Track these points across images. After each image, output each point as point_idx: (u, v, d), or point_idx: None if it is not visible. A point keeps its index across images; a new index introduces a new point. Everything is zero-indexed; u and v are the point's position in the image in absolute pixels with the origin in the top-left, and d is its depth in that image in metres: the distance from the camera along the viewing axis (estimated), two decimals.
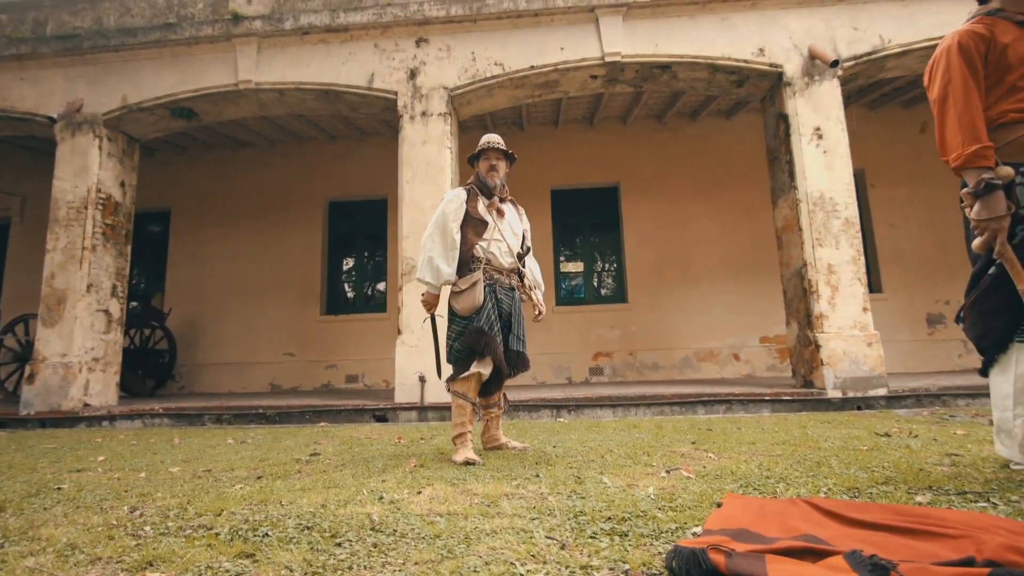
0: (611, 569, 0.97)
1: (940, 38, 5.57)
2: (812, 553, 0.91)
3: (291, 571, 0.99)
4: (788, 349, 5.79)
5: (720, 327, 8.37)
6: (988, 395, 5.02)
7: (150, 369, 8.00)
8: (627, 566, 0.98)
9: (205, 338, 8.79)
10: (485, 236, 2.51)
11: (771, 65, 5.67)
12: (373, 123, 8.25)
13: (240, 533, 1.25)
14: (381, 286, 8.98)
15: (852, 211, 5.38)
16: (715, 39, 5.74)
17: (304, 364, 8.72)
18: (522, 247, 2.64)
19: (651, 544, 1.10)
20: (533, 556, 1.02)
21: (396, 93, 5.92)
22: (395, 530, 1.23)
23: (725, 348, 8.27)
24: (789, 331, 5.76)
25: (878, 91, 7.72)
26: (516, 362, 2.50)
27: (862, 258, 5.35)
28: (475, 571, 0.96)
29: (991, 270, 1.64)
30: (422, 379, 5.35)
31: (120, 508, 1.66)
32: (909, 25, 5.61)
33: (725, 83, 6.06)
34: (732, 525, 1.10)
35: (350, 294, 9.28)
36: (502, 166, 2.69)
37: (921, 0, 5.64)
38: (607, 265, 8.93)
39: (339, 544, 1.16)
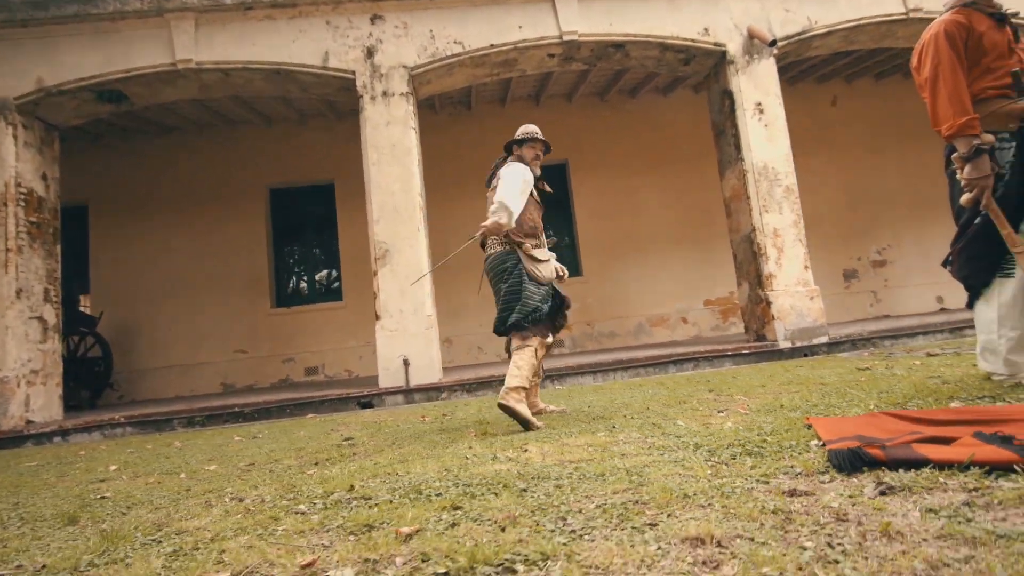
0: (784, 473, 1.16)
1: (858, 20, 6.23)
2: (935, 441, 1.16)
3: (513, 509, 1.07)
4: (740, 308, 6.34)
5: (669, 293, 8.92)
6: (904, 336, 5.76)
7: (85, 379, 7.35)
8: (799, 469, 1.18)
9: (143, 341, 8.18)
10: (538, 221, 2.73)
11: (715, 44, 6.06)
12: (316, 105, 7.90)
13: (418, 494, 1.31)
14: (335, 274, 8.72)
15: (792, 179, 5.94)
16: (664, 19, 6.03)
17: (258, 360, 8.35)
18: None
19: (786, 457, 1.30)
20: (710, 475, 1.19)
21: (354, 72, 5.74)
22: (557, 476, 1.34)
23: (674, 313, 8.84)
24: (740, 291, 6.31)
25: (797, 68, 8.42)
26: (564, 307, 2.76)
27: (801, 221, 5.94)
28: (671, 489, 1.11)
29: (977, 220, 2.00)
30: (406, 362, 5.36)
31: (224, 498, 1.65)
32: (832, 8, 6.19)
33: (674, 61, 6.40)
34: (848, 434, 1.34)
35: (302, 285, 8.95)
36: (542, 156, 2.89)
37: None
38: (561, 241, 9.20)
39: (525, 490, 1.26)
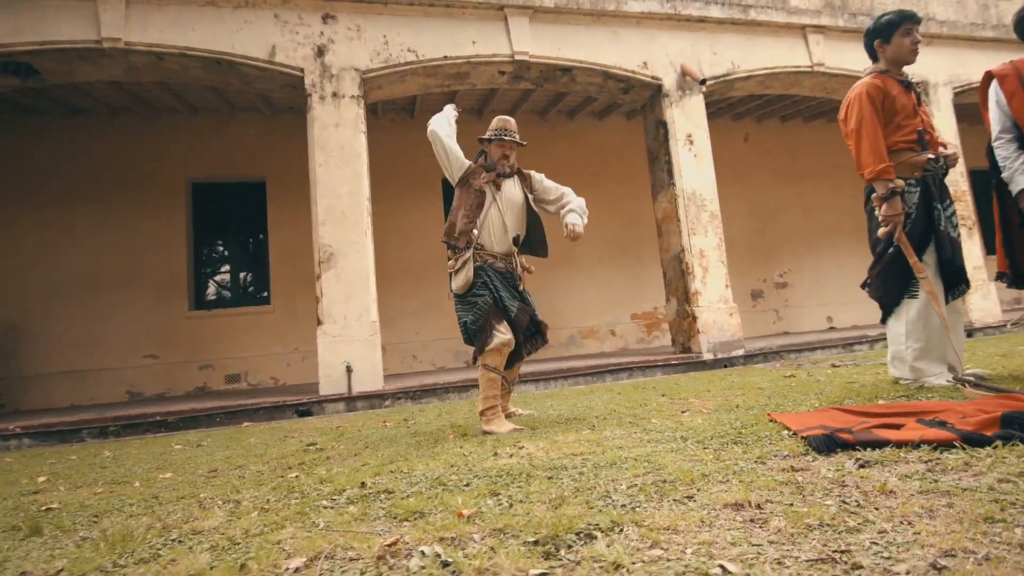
0: (775, 456, 1.36)
1: (772, 68, 7.01)
2: (887, 427, 1.41)
3: (555, 492, 1.15)
4: (669, 322, 6.82)
5: (598, 307, 9.35)
6: (806, 350, 6.47)
7: None
8: (786, 452, 1.38)
9: (31, 344, 7.31)
10: (479, 221, 2.64)
11: (653, 78, 6.56)
12: (249, 98, 7.53)
13: (442, 486, 1.34)
14: (262, 277, 8.28)
15: (716, 206, 6.53)
16: (608, 50, 6.45)
17: (171, 366, 7.74)
18: (547, 209, 2.81)
19: (767, 444, 1.51)
20: (713, 459, 1.36)
21: (302, 70, 5.60)
22: (571, 466, 1.44)
23: (603, 325, 9.28)
24: (669, 307, 6.79)
25: (716, 105, 9.26)
26: (534, 335, 2.73)
27: (723, 244, 6.53)
28: (688, 471, 1.26)
29: (890, 250, 2.39)
30: (349, 369, 5.25)
31: (215, 501, 1.59)
32: (751, 55, 6.92)
33: (615, 89, 6.84)
34: (813, 424, 1.57)
35: (225, 287, 8.42)
36: (513, 155, 2.76)
37: (759, 36, 6.99)
38: None
39: (551, 478, 1.35)
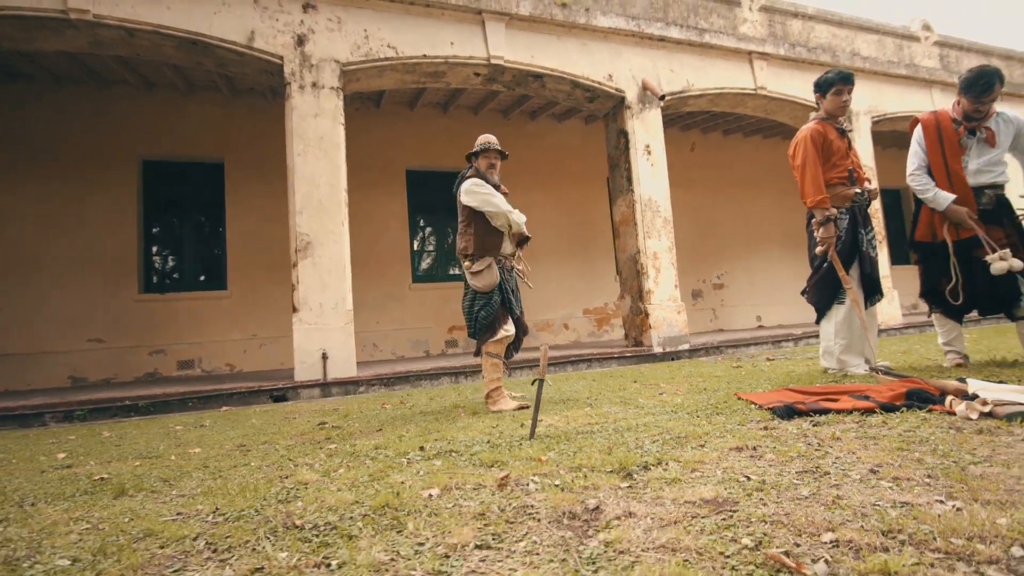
0: (751, 421, 1.79)
1: (721, 88, 7.68)
2: (828, 400, 1.88)
3: (597, 446, 1.49)
4: (623, 317, 7.37)
5: (553, 301, 9.83)
6: (742, 346, 7.22)
7: None
8: (758, 418, 1.80)
9: None
10: (493, 226, 3.03)
11: (616, 89, 7.04)
12: (208, 76, 7.35)
13: (496, 447, 1.64)
14: (219, 261, 8.11)
15: (669, 212, 7.12)
16: (577, 60, 6.86)
17: (118, 351, 7.48)
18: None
19: (742, 414, 1.94)
20: (706, 424, 1.76)
21: (282, 58, 5.63)
22: (598, 431, 1.79)
23: (557, 319, 9.77)
24: (623, 303, 7.34)
25: (667, 115, 9.92)
26: (522, 329, 3.11)
27: (674, 247, 7.14)
28: (691, 431, 1.65)
29: (824, 265, 2.94)
30: (324, 356, 5.39)
31: (274, 466, 1.82)
32: (703, 76, 7.56)
33: (581, 97, 7.27)
34: (774, 400, 2.02)
35: (178, 270, 8.18)
36: (498, 164, 3.16)
37: (711, 58, 7.64)
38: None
39: (586, 437, 1.69)
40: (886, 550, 0.75)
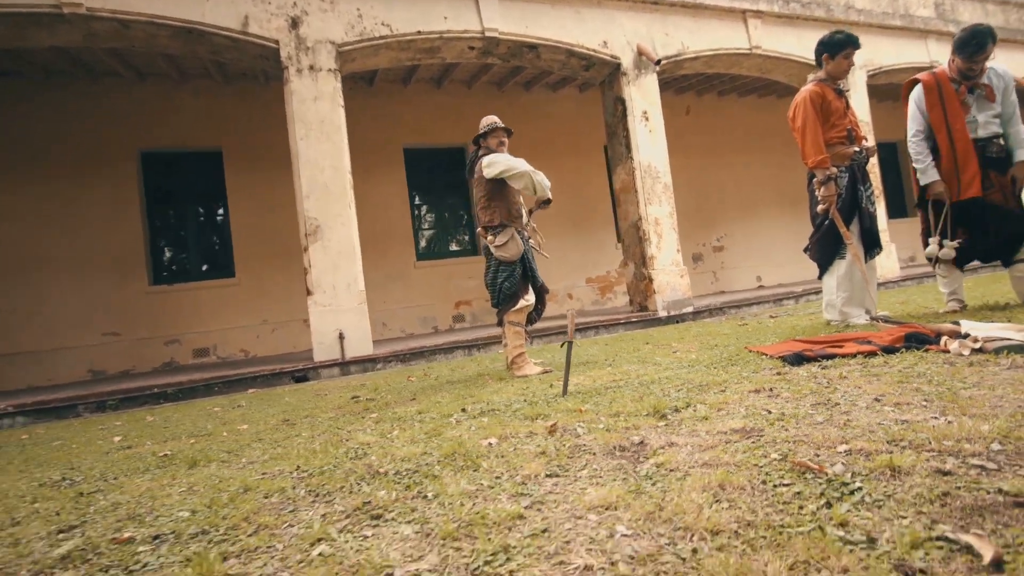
0: (764, 369, 1.96)
1: (716, 50, 7.66)
2: (834, 347, 2.05)
3: (628, 396, 1.66)
4: (627, 284, 7.53)
5: (556, 272, 9.95)
6: (744, 306, 7.40)
7: None
8: (770, 366, 1.98)
9: None
10: (516, 202, 3.18)
11: (612, 56, 7.04)
12: (199, 64, 7.30)
13: (533, 404, 1.81)
14: (225, 250, 8.20)
15: (668, 178, 7.20)
16: (571, 29, 6.84)
17: (134, 342, 7.63)
18: None
19: (755, 364, 2.11)
20: (723, 374, 1.93)
21: (277, 42, 5.62)
22: (624, 385, 1.96)
23: (561, 289, 9.92)
24: (627, 270, 7.48)
25: (662, 79, 9.88)
26: (543, 296, 3.28)
27: (675, 213, 7.25)
28: (711, 380, 1.83)
29: (826, 222, 3.08)
30: (342, 336, 5.55)
31: (346, 431, 2.00)
32: (698, 38, 7.54)
33: (577, 66, 7.26)
34: (784, 350, 2.19)
35: (185, 260, 8.27)
36: (507, 141, 3.29)
37: (705, 19, 7.61)
38: (460, 221, 9.71)
39: (615, 391, 1.87)
40: (890, 453, 0.92)
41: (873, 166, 8.47)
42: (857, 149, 3.11)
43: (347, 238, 5.72)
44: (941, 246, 2.95)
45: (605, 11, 7.05)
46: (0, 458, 2.59)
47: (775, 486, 0.84)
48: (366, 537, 0.88)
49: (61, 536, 1.22)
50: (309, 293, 5.58)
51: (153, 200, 7.89)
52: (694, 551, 0.66)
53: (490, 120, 3.33)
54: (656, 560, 0.65)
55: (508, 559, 0.72)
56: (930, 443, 0.95)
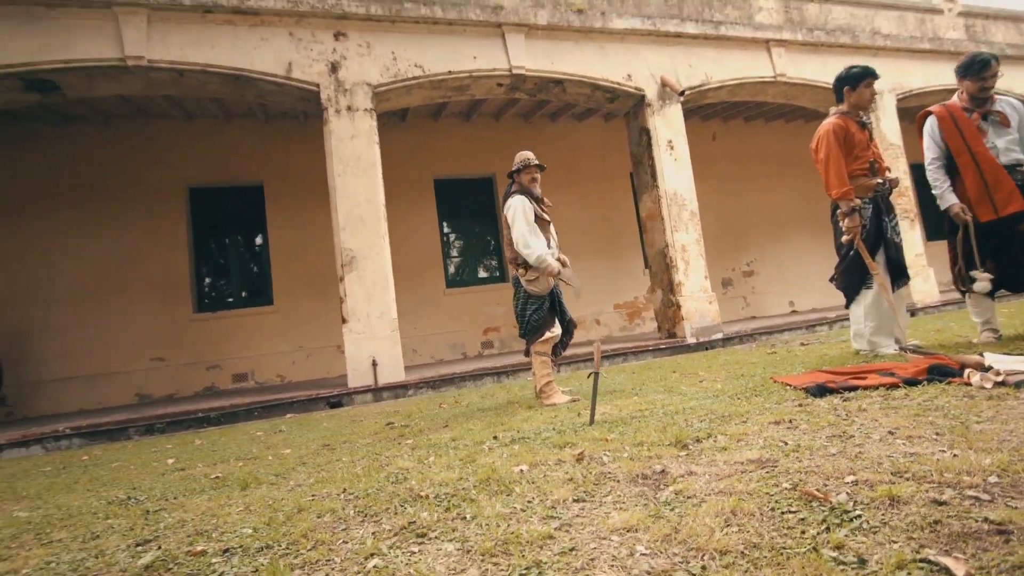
0: (787, 400, 2.01)
1: (741, 79, 7.77)
2: (857, 378, 2.09)
3: (653, 427, 1.74)
4: (655, 310, 7.55)
5: (584, 297, 9.99)
6: (775, 332, 7.31)
7: None
8: (793, 397, 2.03)
9: (36, 351, 7.45)
10: (546, 235, 3.30)
11: (636, 88, 7.22)
12: (244, 104, 7.78)
13: (561, 433, 1.90)
14: (264, 278, 8.57)
15: (695, 205, 7.27)
16: (595, 63, 7.07)
17: (178, 368, 7.99)
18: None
19: (779, 395, 2.16)
20: (746, 404, 1.99)
21: (318, 85, 5.99)
22: (649, 415, 2.04)
23: (589, 315, 9.97)
24: (654, 297, 7.51)
25: (687, 106, 10.01)
26: (570, 329, 3.39)
27: (702, 239, 7.28)
28: (734, 411, 1.89)
29: (851, 253, 3.12)
30: (374, 363, 5.73)
31: (363, 458, 2.13)
32: (721, 68, 7.67)
33: (602, 99, 7.47)
34: (807, 381, 2.23)
35: (227, 289, 8.68)
36: (539, 177, 3.44)
37: (728, 50, 7.75)
38: (488, 246, 9.92)
39: (642, 420, 1.95)
40: (893, 483, 0.98)
41: (907, 188, 8.36)
42: (880, 180, 3.16)
43: (381, 268, 5.95)
44: (972, 279, 2.93)
45: (628, 45, 7.27)
46: (67, 478, 2.80)
47: (782, 513, 0.92)
48: (413, 553, 1.00)
49: (140, 549, 1.36)
50: (344, 321, 5.80)
51: (199, 232, 8.36)
52: (703, 568, 0.75)
53: (523, 157, 3.48)
54: (668, 574, 0.74)
55: (540, 573, 0.82)
56: (932, 475, 1.01)
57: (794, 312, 10.65)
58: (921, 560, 0.70)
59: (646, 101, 7.24)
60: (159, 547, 1.33)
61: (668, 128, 7.28)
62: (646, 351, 6.62)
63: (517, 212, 3.20)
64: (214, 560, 1.16)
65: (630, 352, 6.56)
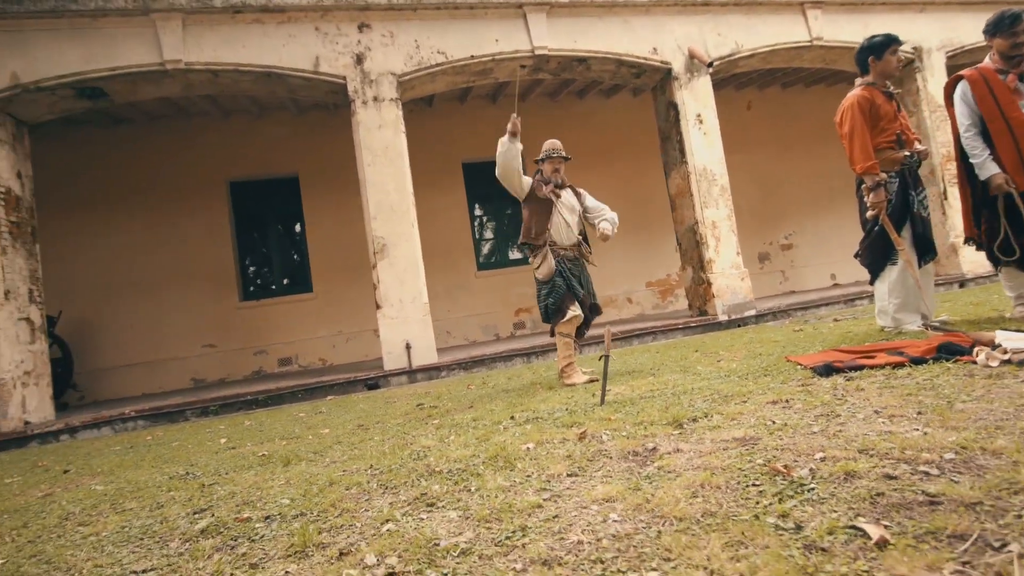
0: (793, 380, 2.07)
1: (773, 45, 7.48)
2: (866, 358, 2.11)
3: (658, 406, 1.85)
4: (685, 288, 7.50)
5: (615, 277, 10.00)
6: (811, 308, 7.15)
7: None
8: (799, 377, 2.08)
9: (101, 340, 8.04)
10: (549, 224, 3.38)
11: (662, 62, 7.07)
12: (277, 98, 8.03)
13: (572, 412, 2.03)
14: (303, 266, 8.93)
15: (725, 180, 7.13)
16: (620, 38, 6.95)
17: (228, 353, 8.48)
18: (588, 218, 3.53)
19: (787, 374, 2.21)
20: (752, 384, 2.06)
21: (344, 78, 6.15)
22: (659, 394, 2.14)
23: (621, 294, 9.96)
24: (685, 274, 7.46)
25: (724, 73, 9.70)
26: (593, 310, 3.48)
27: (733, 215, 7.15)
28: (736, 391, 1.97)
29: (876, 228, 3.06)
30: (408, 346, 5.96)
31: (409, 436, 2.30)
32: (753, 34, 7.40)
33: (627, 75, 7.36)
34: (818, 360, 2.26)
35: (268, 278, 9.10)
36: (562, 167, 3.53)
37: (760, 15, 7.46)
38: (517, 230, 9.98)
39: (648, 400, 2.05)
40: (855, 460, 1.05)
41: (948, 146, 7.92)
42: (907, 153, 3.06)
43: (411, 255, 6.14)
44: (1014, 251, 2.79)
45: (654, 18, 7.10)
46: (135, 456, 3.12)
47: (746, 486, 1.00)
48: (422, 519, 1.14)
49: (196, 516, 1.57)
50: (378, 307, 6.04)
51: (241, 224, 8.77)
52: (659, 533, 0.85)
53: (549, 146, 3.56)
54: (630, 538, 0.85)
55: (524, 535, 0.94)
56: (895, 452, 1.07)
57: (836, 285, 10.34)
58: (849, 526, 0.78)
59: (673, 75, 7.09)
60: (212, 515, 1.53)
61: (696, 101, 7.12)
62: (675, 329, 6.62)
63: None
64: (257, 525, 1.34)
65: (659, 331, 6.58)
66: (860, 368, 2.02)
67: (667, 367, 3.07)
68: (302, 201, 8.79)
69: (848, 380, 1.92)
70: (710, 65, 6.95)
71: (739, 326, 6.75)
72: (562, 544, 0.88)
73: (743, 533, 0.80)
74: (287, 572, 0.99)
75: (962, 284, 7.79)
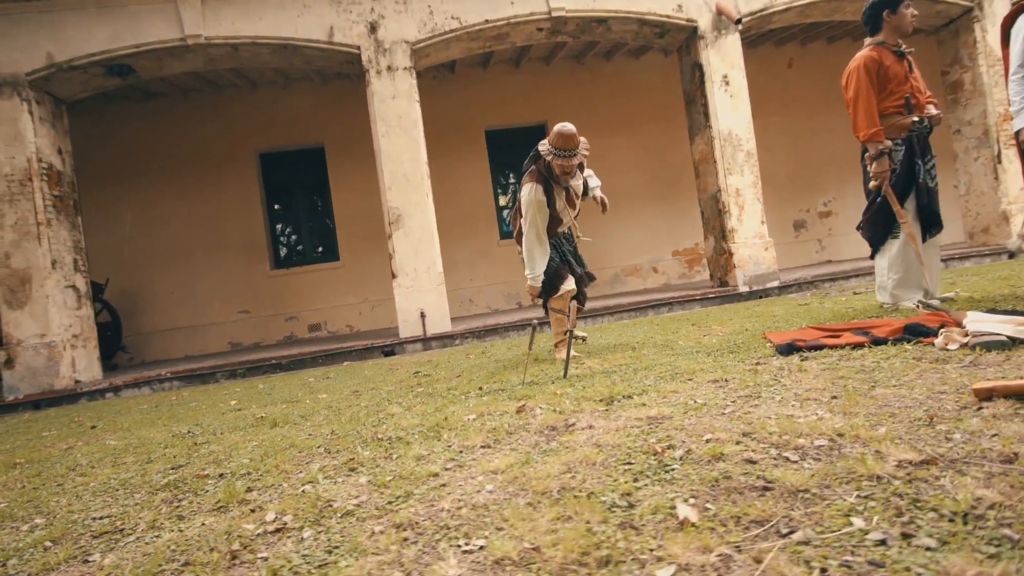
0: (752, 358, 2.06)
1: None
2: (831, 337, 2.06)
3: (607, 382, 1.90)
4: (707, 258, 7.33)
5: (640, 245, 9.84)
6: (840, 279, 6.87)
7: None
8: (760, 356, 2.07)
9: (145, 306, 8.57)
10: (557, 228, 3.23)
11: (687, 20, 6.73)
12: (301, 69, 8.11)
13: (539, 385, 2.12)
14: (330, 235, 9.19)
15: (752, 145, 6.83)
16: None
17: (261, 319, 8.89)
18: (586, 192, 3.38)
19: (751, 352, 2.19)
20: (711, 361, 2.07)
21: (359, 48, 6.16)
22: (618, 370, 2.18)
23: (645, 263, 9.81)
24: (707, 244, 7.27)
25: (756, 32, 9.15)
26: (586, 280, 3.45)
27: (759, 182, 6.88)
28: (693, 368, 1.99)
29: (878, 199, 2.90)
30: (423, 315, 6.12)
31: (386, 403, 2.43)
32: None
33: (650, 35, 7.06)
34: (787, 338, 2.23)
35: (298, 246, 9.42)
36: (574, 163, 3.01)
37: None
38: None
39: (606, 375, 2.10)
40: (733, 443, 1.07)
41: (1007, 118, 7.29)
42: (917, 119, 2.86)
43: (426, 225, 6.23)
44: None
45: None
46: (154, 414, 3.41)
47: (618, 465, 1.04)
48: (337, 483, 1.24)
49: (170, 471, 1.74)
50: (394, 276, 6.21)
51: (271, 194, 9.06)
52: (511, 505, 0.91)
53: (558, 141, 2.99)
54: (487, 508, 0.91)
55: (405, 501, 1.02)
56: (774, 437, 1.08)
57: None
58: (671, 507, 0.81)
59: (699, 33, 6.76)
60: (182, 471, 1.69)
61: (723, 62, 6.78)
62: (692, 300, 6.52)
63: (529, 210, 3.00)
64: (209, 482, 1.48)
65: (675, 301, 6.50)
66: (821, 348, 1.98)
67: (652, 341, 3.07)
68: (328, 171, 8.97)
69: (803, 360, 1.89)
70: (738, 22, 6.57)
71: (760, 297, 6.58)
72: (429, 511, 0.96)
73: (575, 509, 0.85)
74: (203, 523, 1.11)
75: (1012, 255, 7.29)
